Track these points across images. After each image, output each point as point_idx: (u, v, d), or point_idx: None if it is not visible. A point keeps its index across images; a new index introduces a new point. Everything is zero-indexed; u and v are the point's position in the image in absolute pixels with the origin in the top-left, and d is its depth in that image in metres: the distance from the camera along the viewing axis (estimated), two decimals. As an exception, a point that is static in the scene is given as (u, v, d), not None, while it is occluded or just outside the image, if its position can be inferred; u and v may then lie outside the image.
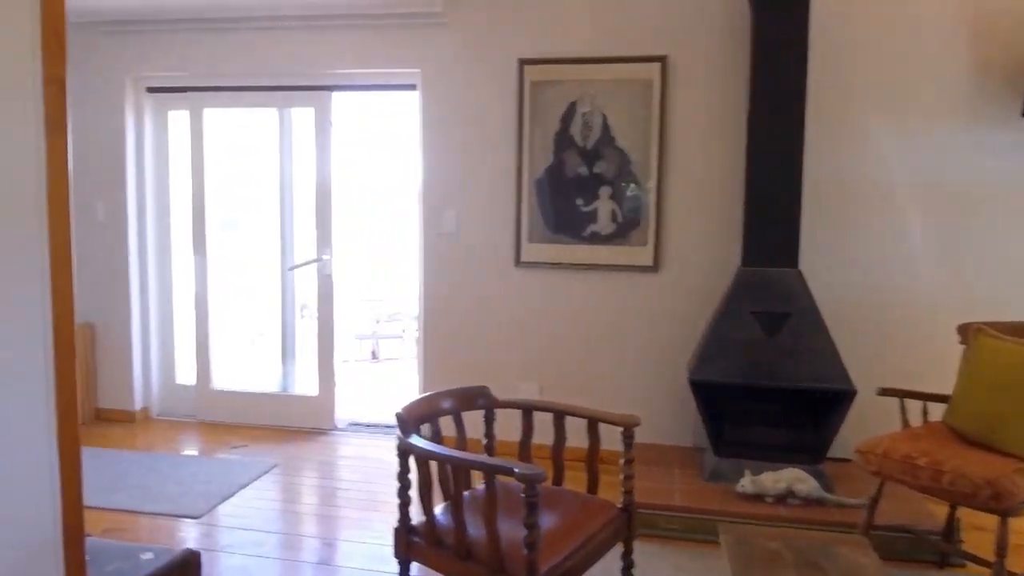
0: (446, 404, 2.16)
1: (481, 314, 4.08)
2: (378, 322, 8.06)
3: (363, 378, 6.62)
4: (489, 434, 2.25)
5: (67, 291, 1.50)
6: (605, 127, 3.87)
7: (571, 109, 3.90)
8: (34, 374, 1.43)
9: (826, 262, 3.67)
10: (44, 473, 1.48)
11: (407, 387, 6.16)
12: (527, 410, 2.24)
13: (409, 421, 1.93)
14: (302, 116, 4.43)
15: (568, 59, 3.87)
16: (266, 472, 3.72)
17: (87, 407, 4.52)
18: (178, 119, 4.59)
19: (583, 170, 3.90)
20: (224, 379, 4.66)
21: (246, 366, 4.86)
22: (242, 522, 3.15)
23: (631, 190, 3.86)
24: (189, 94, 4.43)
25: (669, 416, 3.90)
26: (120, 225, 4.49)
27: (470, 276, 4.08)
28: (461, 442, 2.14)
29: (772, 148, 3.42)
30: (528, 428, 2.23)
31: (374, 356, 7.57)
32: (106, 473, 3.64)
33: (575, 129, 3.90)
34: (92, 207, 4.52)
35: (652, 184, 3.83)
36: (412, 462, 1.92)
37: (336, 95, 4.28)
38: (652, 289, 3.90)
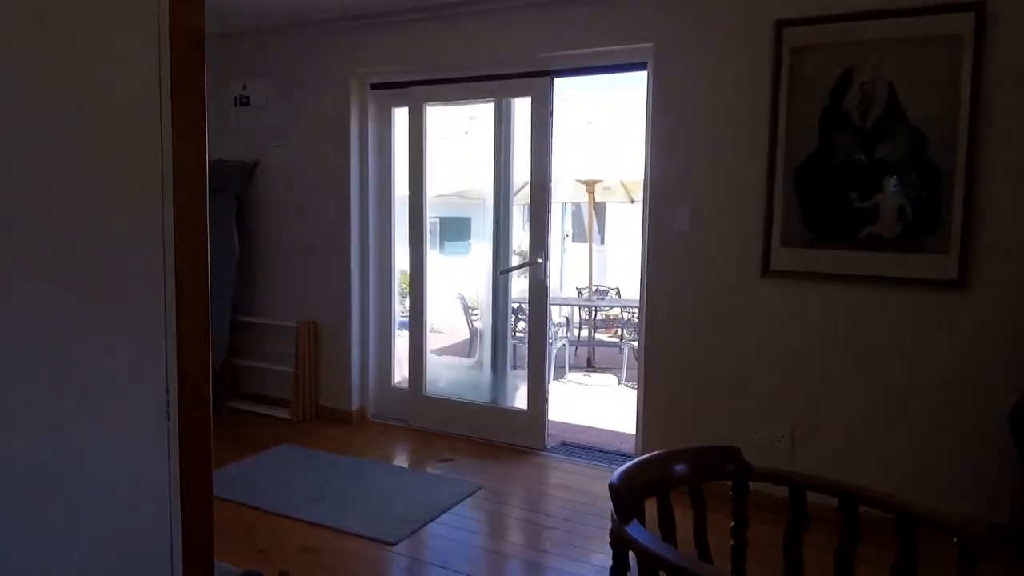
0: (679, 469, 1.59)
1: (716, 332, 3.40)
2: (596, 329, 7.61)
3: (577, 389, 6.20)
4: (740, 518, 1.63)
5: (198, 318, 1.16)
6: (892, 100, 3.00)
7: (845, 79, 3.08)
8: (147, 421, 1.12)
9: None
10: (162, 545, 1.17)
11: (624, 403, 5.62)
12: (798, 489, 1.59)
13: (628, 498, 1.40)
14: (521, 107, 4.07)
15: (842, 15, 3.06)
16: (470, 495, 3.39)
17: (310, 405, 4.58)
18: (401, 116, 4.47)
19: (860, 155, 3.07)
20: (436, 385, 4.47)
21: (458, 372, 4.65)
22: (439, 557, 2.83)
23: (927, 181, 2.96)
24: (410, 89, 4.27)
25: (971, 480, 2.94)
26: (343, 223, 4.47)
27: (705, 285, 3.42)
28: (700, 531, 1.56)
29: None
30: (799, 519, 1.57)
31: (589, 364, 7.11)
32: (314, 478, 3.55)
33: (850, 104, 3.08)
34: (319, 206, 4.55)
35: (958, 172, 2.90)
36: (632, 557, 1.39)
37: (558, 81, 3.85)
38: (955, 310, 2.96)
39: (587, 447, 4.16)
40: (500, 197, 4.24)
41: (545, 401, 4.03)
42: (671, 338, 3.51)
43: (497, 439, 4.11)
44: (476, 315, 7.20)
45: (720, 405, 3.40)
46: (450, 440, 4.17)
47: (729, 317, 3.37)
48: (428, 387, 4.40)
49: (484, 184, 4.32)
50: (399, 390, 4.57)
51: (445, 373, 4.66)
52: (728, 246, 3.36)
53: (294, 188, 4.64)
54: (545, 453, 3.98)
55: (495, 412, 4.21)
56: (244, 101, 4.78)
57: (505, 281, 4.27)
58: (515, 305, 5.17)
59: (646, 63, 3.56)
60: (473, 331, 6.99)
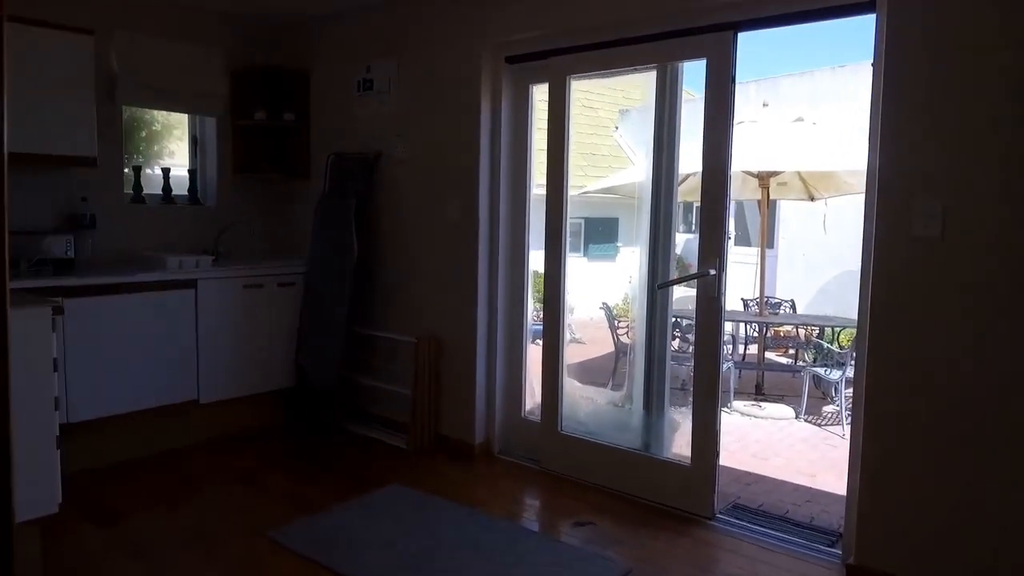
0: None
1: (989, 379, 2.35)
2: (767, 348, 6.49)
3: (745, 423, 5.16)
4: None
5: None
6: None
7: None
8: None
9: None
10: None
11: (807, 445, 4.53)
12: None
13: None
14: (691, 74, 3.21)
15: None
16: (614, 582, 2.57)
17: (429, 434, 3.95)
18: (540, 94, 3.74)
19: None
20: (574, 418, 3.68)
21: (602, 407, 3.84)
22: None
23: None
24: (551, 60, 3.52)
25: None
26: (472, 225, 3.80)
27: (967, 312, 2.37)
28: None
29: None
30: None
31: (759, 391, 6.01)
32: (423, 537, 2.88)
33: None
34: (444, 204, 3.92)
35: None
36: None
37: (742, 36, 2.94)
38: None
39: (769, 514, 3.20)
40: (660, 192, 3.39)
41: (715, 454, 3.11)
42: (912, 382, 2.48)
43: (649, 497, 3.25)
44: (623, 328, 6.35)
45: (985, 481, 2.34)
46: (589, 493, 3.36)
47: (1011, 360, 2.30)
48: (564, 423, 3.63)
49: (636, 179, 3.49)
50: (530, 423, 3.83)
51: (585, 402, 3.87)
52: (1005, 257, 2.29)
53: (417, 183, 4.04)
54: (713, 522, 3.07)
55: (647, 463, 3.35)
56: (367, 85, 4.25)
57: (664, 296, 3.40)
58: (674, 327, 4.28)
59: (873, 2, 2.56)
60: (619, 347, 6.14)
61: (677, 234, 4.79)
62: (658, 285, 3.26)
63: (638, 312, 3.53)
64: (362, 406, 4.41)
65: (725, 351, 5.80)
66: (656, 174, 3.36)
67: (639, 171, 3.50)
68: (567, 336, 3.67)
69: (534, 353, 3.93)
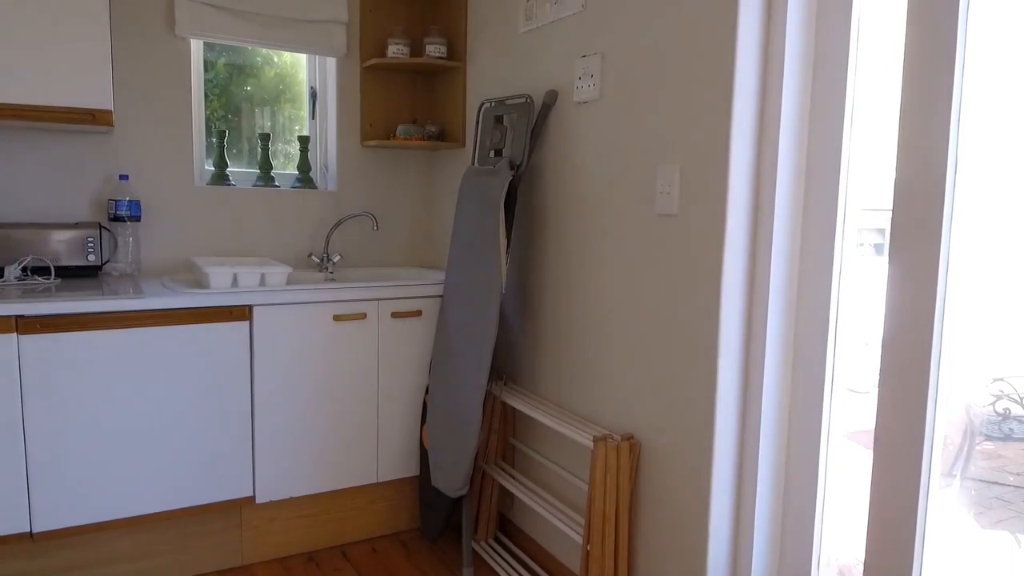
0: None
1: None
2: None
3: None
4: None
5: None
6: None
7: None
8: None
9: None
10: None
11: None
12: None
13: None
14: None
15: None
16: None
17: (610, 619, 2.09)
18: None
19: None
20: None
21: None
22: None
23: None
24: None
25: None
26: (710, 219, 1.83)
27: None
28: None
29: None
30: None
31: None
32: None
33: None
34: (648, 182, 2.00)
35: None
36: None
37: None
38: None
39: None
40: None
41: None
42: None
43: None
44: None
45: None
46: None
47: None
48: None
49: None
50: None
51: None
52: None
53: (611, 144, 2.17)
54: None
55: None
56: (541, -20, 2.46)
57: None
58: None
59: None
60: (971, 423, 3.67)
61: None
62: None
63: None
64: (509, 526, 2.68)
65: None
66: None
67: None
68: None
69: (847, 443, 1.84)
